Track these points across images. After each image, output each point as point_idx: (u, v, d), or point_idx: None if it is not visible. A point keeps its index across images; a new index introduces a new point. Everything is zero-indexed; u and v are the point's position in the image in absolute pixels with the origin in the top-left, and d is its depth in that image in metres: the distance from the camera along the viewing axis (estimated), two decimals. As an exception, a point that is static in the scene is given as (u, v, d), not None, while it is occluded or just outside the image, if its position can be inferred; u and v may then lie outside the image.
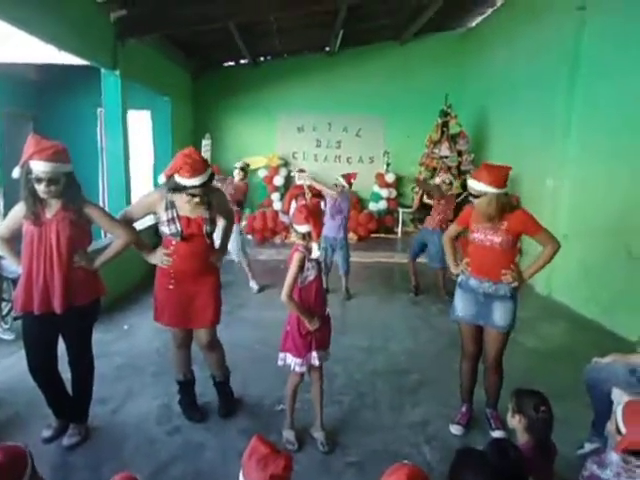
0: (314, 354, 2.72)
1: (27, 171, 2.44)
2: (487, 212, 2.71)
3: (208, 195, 2.76)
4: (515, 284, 2.81)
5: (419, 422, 3.16)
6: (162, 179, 2.72)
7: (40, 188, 2.45)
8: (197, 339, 3.03)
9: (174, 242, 2.77)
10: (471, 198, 2.81)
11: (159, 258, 2.82)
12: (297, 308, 2.63)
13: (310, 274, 2.67)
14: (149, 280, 3.00)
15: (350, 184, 5.62)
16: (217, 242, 3.10)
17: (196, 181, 2.61)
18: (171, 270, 2.81)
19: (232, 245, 5.63)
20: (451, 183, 5.68)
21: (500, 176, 2.70)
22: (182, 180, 2.60)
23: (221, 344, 3.14)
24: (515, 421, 2.11)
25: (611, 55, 5.22)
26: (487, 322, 2.88)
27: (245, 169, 5.93)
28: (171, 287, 2.83)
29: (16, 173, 2.46)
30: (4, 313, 4.31)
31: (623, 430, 1.87)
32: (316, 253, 2.62)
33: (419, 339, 4.64)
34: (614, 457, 1.84)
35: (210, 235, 2.84)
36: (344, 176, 5.63)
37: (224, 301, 3.06)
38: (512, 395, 2.18)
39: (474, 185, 2.73)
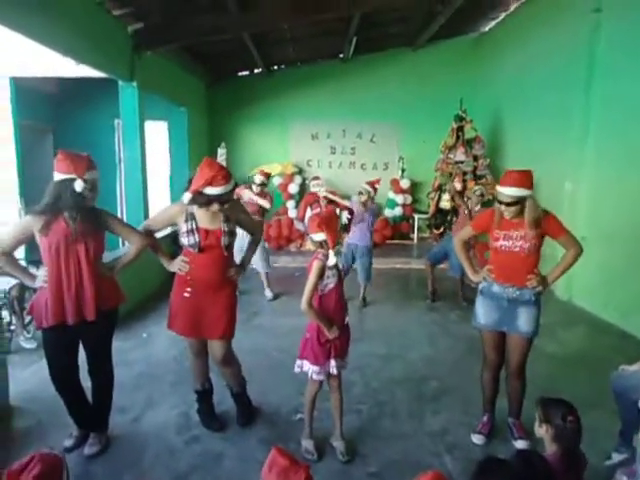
0: (332, 362, 2.70)
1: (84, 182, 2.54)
2: (535, 216, 2.66)
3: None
4: (540, 289, 2.78)
5: (439, 431, 3.12)
6: (187, 197, 2.65)
7: (94, 195, 2.63)
8: (211, 353, 3.01)
9: (193, 252, 2.79)
10: (503, 207, 2.70)
11: (177, 265, 2.86)
12: (316, 316, 2.62)
13: (330, 282, 2.66)
14: (167, 289, 3.02)
15: (375, 189, 5.62)
16: (238, 255, 3.11)
17: (229, 187, 2.65)
18: (188, 277, 2.83)
19: (256, 255, 5.59)
20: (482, 195, 5.56)
21: (531, 178, 2.70)
22: (215, 190, 2.60)
23: (236, 358, 3.12)
24: (542, 431, 2.06)
25: (627, 57, 5.15)
26: (511, 328, 2.83)
27: (265, 183, 5.81)
28: (187, 295, 2.85)
29: (79, 187, 2.51)
30: (26, 322, 4.38)
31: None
32: (332, 260, 2.61)
33: (437, 346, 4.59)
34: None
35: (228, 247, 2.84)
36: (369, 183, 5.62)
37: (240, 309, 3.06)
38: (538, 404, 2.13)
39: (512, 192, 2.63)
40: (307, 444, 2.85)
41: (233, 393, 3.18)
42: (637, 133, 4.96)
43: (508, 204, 2.67)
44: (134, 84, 5.65)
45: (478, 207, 5.48)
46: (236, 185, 2.77)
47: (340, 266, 2.76)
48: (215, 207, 2.69)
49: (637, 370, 2.66)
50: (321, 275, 2.61)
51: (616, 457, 2.66)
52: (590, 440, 2.44)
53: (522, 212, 2.69)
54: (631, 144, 5.04)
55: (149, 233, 2.93)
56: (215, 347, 2.96)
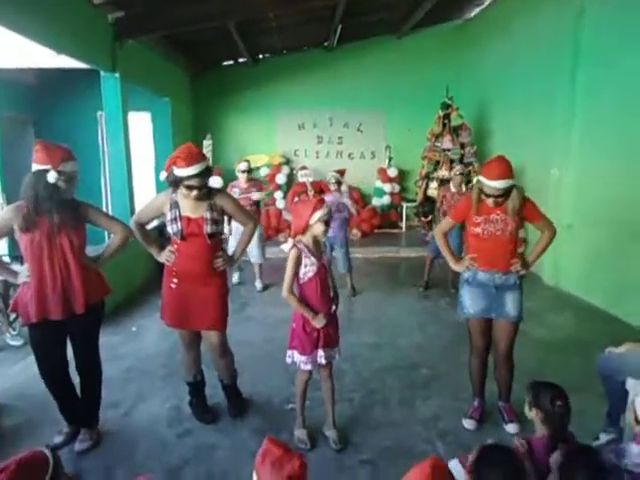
0: (320, 352, 2.70)
1: (59, 174, 2.46)
2: (518, 204, 2.71)
3: (209, 192, 2.79)
4: (523, 272, 2.84)
5: (431, 417, 3.15)
6: (162, 176, 2.74)
7: (71, 188, 2.56)
8: (207, 342, 3.01)
9: (178, 241, 2.79)
10: (491, 199, 2.71)
11: (165, 255, 2.86)
12: (298, 304, 2.65)
13: (308, 270, 2.64)
14: (155, 282, 3.00)
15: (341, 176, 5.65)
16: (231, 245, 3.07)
17: (192, 170, 2.62)
18: (174, 268, 2.84)
19: (252, 246, 5.50)
20: (462, 174, 5.61)
21: (511, 165, 2.72)
22: (179, 171, 2.63)
23: (230, 350, 3.11)
24: (532, 414, 2.10)
25: (611, 43, 5.17)
26: (499, 314, 2.86)
27: (250, 169, 5.77)
28: (173, 286, 2.86)
29: (52, 178, 2.45)
30: (11, 319, 4.31)
31: (642, 420, 1.86)
32: (285, 247, 2.67)
33: (427, 333, 4.62)
34: (634, 448, 1.82)
35: (212, 236, 2.80)
36: (336, 171, 5.62)
37: (231, 300, 3.04)
38: (528, 388, 2.16)
39: (502, 185, 2.65)
40: (299, 433, 2.85)
41: (224, 385, 3.17)
42: (622, 119, 5.00)
43: (497, 196, 2.69)
44: (116, 74, 5.53)
45: (463, 187, 5.57)
46: (208, 170, 2.71)
47: (318, 255, 2.69)
48: (184, 190, 2.68)
49: (623, 352, 2.70)
50: (297, 263, 2.62)
51: (604, 437, 2.70)
52: (578, 422, 2.47)
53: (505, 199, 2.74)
54: (616, 130, 5.08)
55: (140, 225, 2.92)
56: (211, 337, 2.96)
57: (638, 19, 4.76)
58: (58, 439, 2.81)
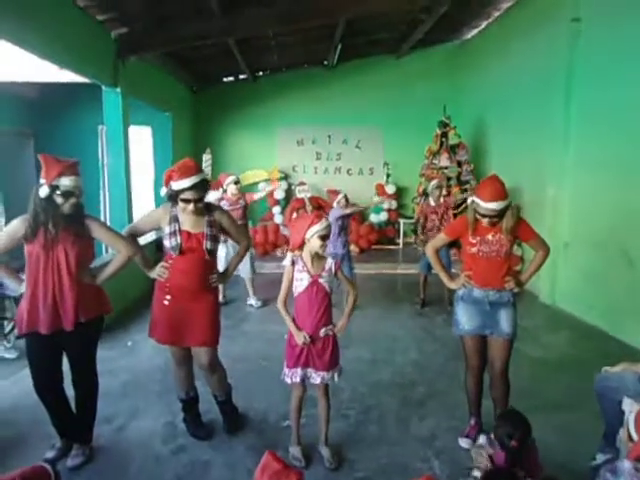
0: (298, 370, 2.70)
1: (53, 189, 2.47)
2: (513, 224, 2.74)
3: (207, 207, 2.82)
4: (517, 290, 2.87)
5: (427, 435, 3.12)
6: (163, 191, 2.77)
7: (70, 202, 2.53)
8: (196, 359, 2.98)
9: (174, 256, 2.77)
10: (487, 220, 2.74)
11: (157, 271, 2.82)
12: (285, 315, 2.70)
13: (298, 285, 2.66)
14: (151, 295, 2.99)
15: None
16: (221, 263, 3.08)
17: (186, 182, 2.65)
18: (167, 284, 2.80)
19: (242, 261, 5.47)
20: (440, 187, 5.77)
21: (505, 186, 2.75)
22: (175, 184, 2.67)
23: (222, 365, 3.08)
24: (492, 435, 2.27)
25: (606, 65, 5.27)
26: (494, 331, 2.87)
27: (238, 181, 5.77)
28: (166, 302, 2.81)
29: (44, 192, 2.46)
30: (6, 331, 4.29)
31: (635, 438, 1.88)
32: (285, 261, 2.71)
33: (424, 350, 4.61)
34: (626, 465, 1.83)
35: (210, 252, 2.81)
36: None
37: (227, 315, 3.03)
38: (498, 416, 2.24)
39: (498, 206, 2.67)
40: (294, 451, 2.83)
41: (218, 401, 3.15)
42: (618, 138, 5.06)
43: (493, 216, 2.72)
44: (118, 90, 5.61)
45: (441, 200, 5.75)
46: (204, 183, 2.74)
47: (317, 272, 2.67)
48: (181, 204, 2.71)
49: (619, 372, 2.70)
50: (291, 277, 2.67)
51: (601, 458, 2.69)
52: (573, 442, 2.47)
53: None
54: (611, 149, 5.14)
55: (133, 236, 2.90)
56: (200, 353, 2.93)
57: (631, 40, 4.86)
58: (50, 454, 2.78)
